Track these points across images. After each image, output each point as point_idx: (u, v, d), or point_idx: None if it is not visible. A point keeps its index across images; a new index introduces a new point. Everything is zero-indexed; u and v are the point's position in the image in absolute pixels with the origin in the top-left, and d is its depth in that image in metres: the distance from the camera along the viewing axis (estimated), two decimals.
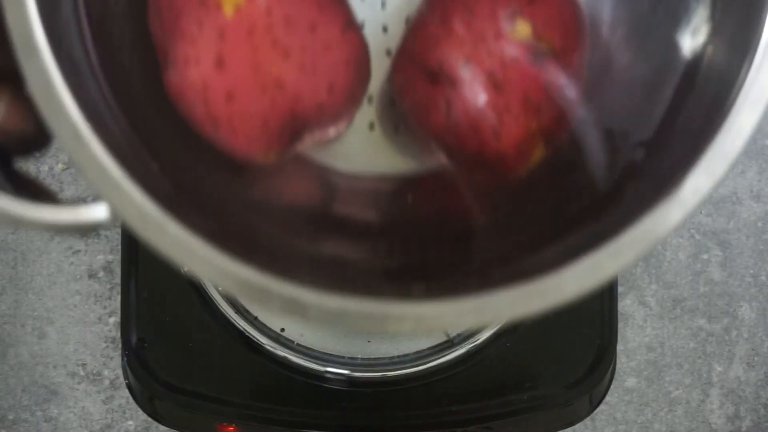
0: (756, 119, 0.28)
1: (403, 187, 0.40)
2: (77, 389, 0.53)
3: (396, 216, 0.39)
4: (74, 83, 0.27)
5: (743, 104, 0.28)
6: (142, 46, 0.34)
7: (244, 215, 0.35)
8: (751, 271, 0.53)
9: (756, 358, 0.53)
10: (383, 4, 0.39)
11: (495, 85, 0.32)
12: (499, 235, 0.36)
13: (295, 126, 0.33)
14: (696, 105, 0.31)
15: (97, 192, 0.27)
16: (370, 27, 0.39)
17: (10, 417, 0.51)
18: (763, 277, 0.54)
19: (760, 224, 0.53)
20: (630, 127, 0.35)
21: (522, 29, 0.33)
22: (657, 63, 0.34)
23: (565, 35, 0.34)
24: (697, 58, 0.32)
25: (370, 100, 0.40)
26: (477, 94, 0.32)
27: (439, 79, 0.33)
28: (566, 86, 0.34)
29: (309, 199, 0.39)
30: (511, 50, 0.32)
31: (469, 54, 0.32)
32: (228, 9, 0.31)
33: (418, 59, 0.34)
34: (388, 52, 0.39)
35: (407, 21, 0.38)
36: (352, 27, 0.33)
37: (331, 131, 0.35)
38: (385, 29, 0.39)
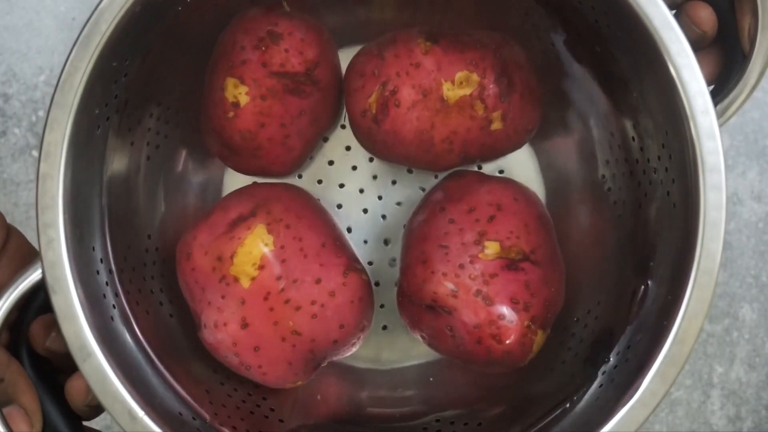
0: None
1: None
2: None
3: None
4: (124, 372, 0.34)
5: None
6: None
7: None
8: (752, 272, 0.52)
9: (757, 359, 0.52)
10: (386, 242, 0.46)
11: (484, 300, 0.36)
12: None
13: (316, 360, 0.38)
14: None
15: None
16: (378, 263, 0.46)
17: None
18: (764, 278, 0.52)
19: (761, 225, 0.52)
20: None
21: (491, 248, 0.37)
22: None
23: (530, 237, 0.37)
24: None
25: (382, 306, 0.46)
26: (471, 315, 0.36)
27: (437, 310, 0.37)
28: (546, 276, 0.37)
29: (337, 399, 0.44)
30: (488, 268, 0.36)
31: (455, 284, 0.36)
32: (244, 281, 0.36)
33: (414, 298, 0.38)
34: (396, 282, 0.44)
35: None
36: (352, 269, 0.38)
37: (348, 353, 0.39)
38: (392, 263, 0.46)
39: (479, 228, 0.37)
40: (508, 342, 0.36)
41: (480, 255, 0.37)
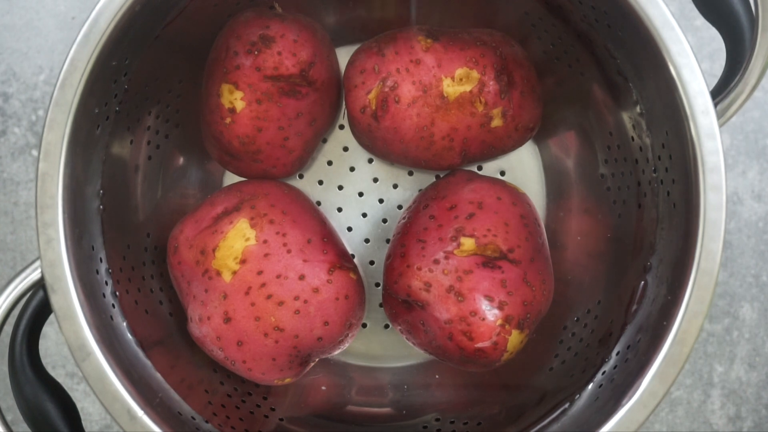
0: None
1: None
2: (77, 390, 0.52)
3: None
4: (123, 372, 0.34)
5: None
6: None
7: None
8: (753, 272, 0.52)
9: (757, 359, 0.52)
10: (388, 241, 0.46)
11: (456, 296, 0.36)
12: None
13: (301, 357, 0.38)
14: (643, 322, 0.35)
15: None
16: (380, 263, 0.45)
17: (9, 418, 0.50)
18: (764, 278, 0.52)
19: (761, 224, 0.52)
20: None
21: (466, 244, 0.37)
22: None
23: (509, 236, 0.37)
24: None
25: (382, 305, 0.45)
26: (443, 310, 0.36)
27: (411, 304, 0.37)
28: (526, 275, 0.37)
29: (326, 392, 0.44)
30: (463, 264, 0.36)
31: (428, 279, 0.36)
32: (226, 275, 0.36)
33: (391, 291, 0.38)
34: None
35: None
36: (339, 267, 0.37)
37: (336, 351, 0.39)
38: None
39: (457, 224, 0.37)
40: (479, 339, 0.36)
41: (455, 251, 0.36)
